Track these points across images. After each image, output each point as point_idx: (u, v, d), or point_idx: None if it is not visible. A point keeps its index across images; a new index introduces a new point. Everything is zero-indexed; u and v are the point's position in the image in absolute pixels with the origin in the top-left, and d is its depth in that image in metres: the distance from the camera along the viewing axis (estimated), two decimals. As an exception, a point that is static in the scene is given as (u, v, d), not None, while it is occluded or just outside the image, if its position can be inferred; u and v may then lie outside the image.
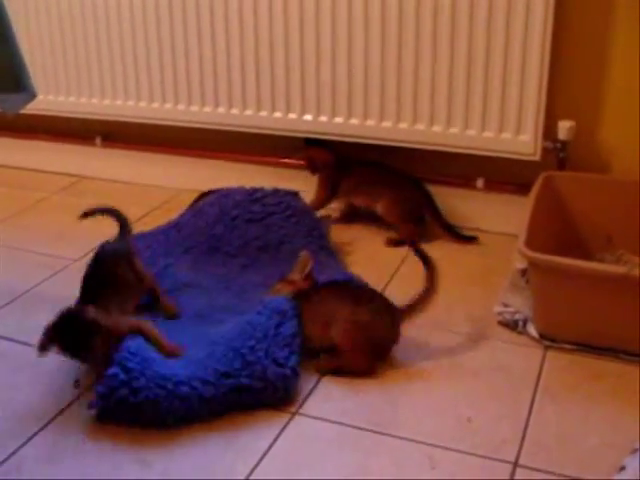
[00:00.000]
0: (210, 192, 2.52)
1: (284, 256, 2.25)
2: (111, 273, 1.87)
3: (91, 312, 1.67)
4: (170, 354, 1.77)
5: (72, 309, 1.71)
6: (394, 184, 2.45)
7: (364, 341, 1.80)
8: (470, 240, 2.42)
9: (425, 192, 2.44)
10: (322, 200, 2.57)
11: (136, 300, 1.92)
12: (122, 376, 1.64)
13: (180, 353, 1.78)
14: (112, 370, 1.65)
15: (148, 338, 1.77)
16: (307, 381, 1.78)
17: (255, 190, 2.41)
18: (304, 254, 1.97)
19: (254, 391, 1.69)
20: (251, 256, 2.29)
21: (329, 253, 2.32)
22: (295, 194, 2.43)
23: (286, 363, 1.73)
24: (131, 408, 1.64)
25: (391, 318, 1.83)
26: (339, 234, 2.46)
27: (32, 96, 1.65)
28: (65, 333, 1.65)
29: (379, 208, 2.46)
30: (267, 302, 1.87)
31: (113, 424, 1.65)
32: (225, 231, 2.33)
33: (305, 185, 2.53)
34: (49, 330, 1.65)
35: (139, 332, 1.77)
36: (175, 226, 2.41)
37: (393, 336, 1.83)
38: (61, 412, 1.70)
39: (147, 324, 1.81)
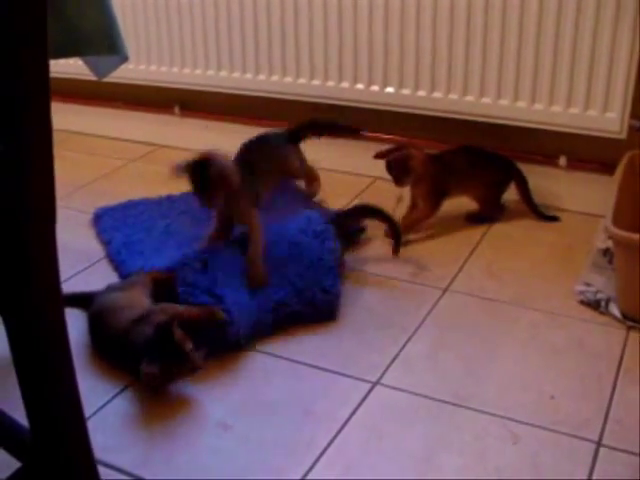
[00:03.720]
0: None
1: None
2: None
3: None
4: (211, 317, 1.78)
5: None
6: (485, 168, 2.34)
7: None
8: (552, 220, 2.37)
9: (516, 171, 2.37)
10: (428, 217, 2.31)
11: None
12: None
13: (219, 314, 1.78)
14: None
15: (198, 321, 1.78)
16: (387, 352, 1.78)
17: None
18: None
19: (304, 315, 1.89)
20: None
21: None
22: None
23: (331, 290, 1.92)
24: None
25: None
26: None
27: (124, 59, 1.65)
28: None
29: (472, 196, 2.38)
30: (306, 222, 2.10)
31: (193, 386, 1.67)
32: None
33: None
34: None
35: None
36: (167, 198, 2.54)
37: None
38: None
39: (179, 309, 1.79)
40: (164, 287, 1.89)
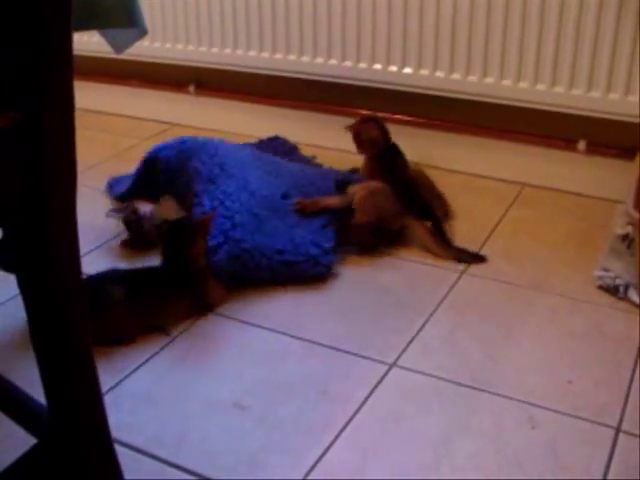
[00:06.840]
0: None
1: None
2: None
3: None
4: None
5: None
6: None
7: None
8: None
9: None
10: None
11: None
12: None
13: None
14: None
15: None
16: (404, 334, 1.77)
17: None
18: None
19: (299, 264, 1.97)
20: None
21: None
22: None
23: (324, 245, 2.01)
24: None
25: None
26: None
27: (143, 32, 1.64)
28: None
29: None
30: None
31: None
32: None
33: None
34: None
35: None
36: None
37: None
38: (158, 353, 1.72)
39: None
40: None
